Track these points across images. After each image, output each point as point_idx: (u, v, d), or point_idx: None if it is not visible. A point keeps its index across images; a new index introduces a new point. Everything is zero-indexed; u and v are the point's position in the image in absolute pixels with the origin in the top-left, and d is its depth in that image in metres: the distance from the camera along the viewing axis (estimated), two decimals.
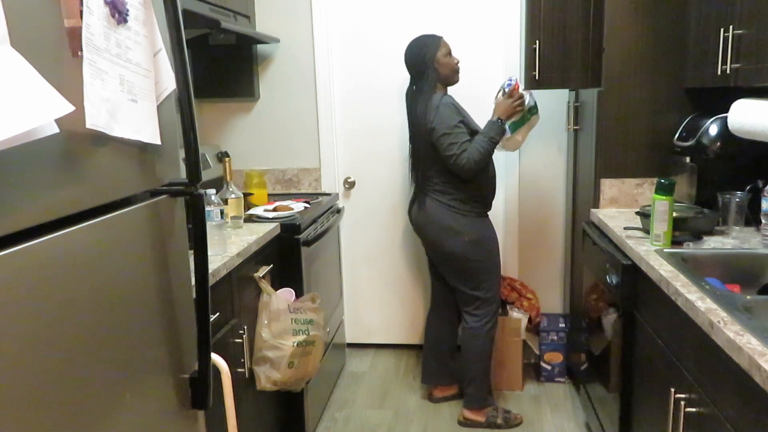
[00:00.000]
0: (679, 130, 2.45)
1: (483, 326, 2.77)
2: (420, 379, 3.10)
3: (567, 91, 3.15)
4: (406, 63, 2.76)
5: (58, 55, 0.93)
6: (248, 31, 2.80)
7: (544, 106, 3.22)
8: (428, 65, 2.68)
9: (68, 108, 0.87)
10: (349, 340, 3.60)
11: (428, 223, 2.71)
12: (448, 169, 2.61)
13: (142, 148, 1.17)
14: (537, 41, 2.73)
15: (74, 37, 0.95)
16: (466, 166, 2.55)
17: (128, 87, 1.08)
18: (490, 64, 3.25)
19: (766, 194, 1.98)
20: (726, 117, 2.09)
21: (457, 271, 2.74)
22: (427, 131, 2.61)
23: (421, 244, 2.94)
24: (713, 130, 2.25)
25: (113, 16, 1.03)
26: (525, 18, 2.83)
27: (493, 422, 2.79)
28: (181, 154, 1.28)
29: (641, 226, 2.20)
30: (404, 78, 3.31)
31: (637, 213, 2.25)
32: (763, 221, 2.01)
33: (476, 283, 2.73)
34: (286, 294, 2.37)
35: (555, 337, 3.12)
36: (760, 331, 1.26)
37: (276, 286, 2.39)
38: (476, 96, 3.19)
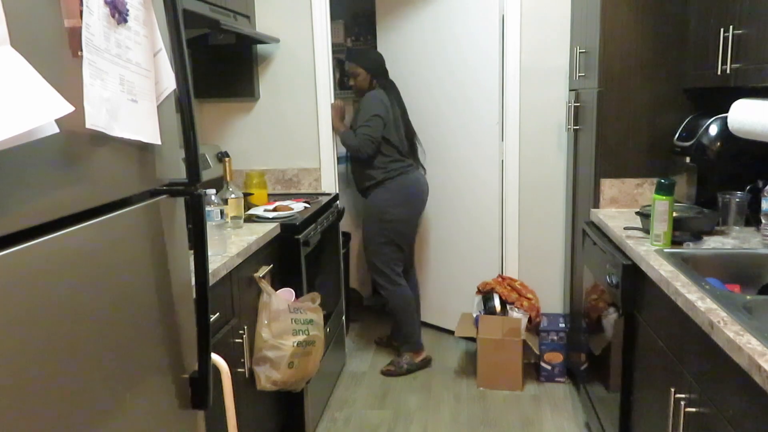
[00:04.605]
0: (679, 130, 2.45)
1: None
2: (427, 352, 3.38)
3: (567, 90, 3.15)
4: (382, 65, 3.21)
5: (58, 55, 0.93)
6: (248, 31, 2.80)
7: (544, 105, 3.22)
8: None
9: (68, 108, 0.87)
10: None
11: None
12: None
13: (142, 148, 1.17)
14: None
15: (74, 37, 0.95)
16: None
17: (128, 87, 1.08)
18: (487, 62, 3.26)
19: (766, 194, 1.98)
20: (726, 117, 2.09)
21: None
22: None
23: (413, 240, 3.40)
24: (713, 130, 2.25)
25: (113, 16, 1.03)
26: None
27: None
28: (181, 154, 1.28)
29: (641, 226, 2.20)
30: (404, 77, 3.34)
31: (637, 213, 2.25)
32: (763, 221, 2.01)
33: None
34: (286, 294, 2.37)
35: (555, 337, 3.11)
36: (760, 331, 1.26)
37: (276, 286, 2.39)
38: (473, 97, 3.19)
